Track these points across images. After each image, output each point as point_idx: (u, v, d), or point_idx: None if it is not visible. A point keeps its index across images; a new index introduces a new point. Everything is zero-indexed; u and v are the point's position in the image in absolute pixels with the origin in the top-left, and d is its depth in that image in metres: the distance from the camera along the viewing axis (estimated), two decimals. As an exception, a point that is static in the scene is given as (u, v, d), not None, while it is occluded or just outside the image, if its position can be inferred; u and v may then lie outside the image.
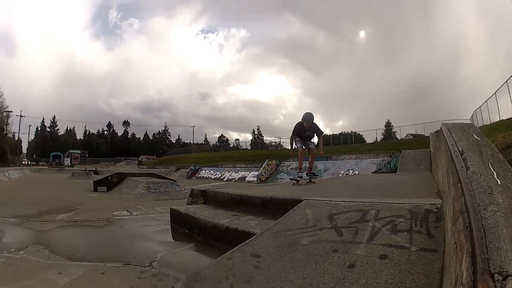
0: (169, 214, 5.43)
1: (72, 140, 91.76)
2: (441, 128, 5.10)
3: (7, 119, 49.88)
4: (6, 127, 50.04)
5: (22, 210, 9.11)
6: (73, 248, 4.12)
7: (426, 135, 29.86)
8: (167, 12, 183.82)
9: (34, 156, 73.97)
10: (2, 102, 46.21)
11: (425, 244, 2.19)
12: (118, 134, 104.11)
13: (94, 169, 41.22)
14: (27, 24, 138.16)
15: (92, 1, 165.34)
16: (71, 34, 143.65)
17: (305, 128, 6.84)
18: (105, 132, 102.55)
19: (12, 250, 4.04)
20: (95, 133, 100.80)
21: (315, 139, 7.17)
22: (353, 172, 25.13)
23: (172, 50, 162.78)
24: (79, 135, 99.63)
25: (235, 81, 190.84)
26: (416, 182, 5.20)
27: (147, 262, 3.60)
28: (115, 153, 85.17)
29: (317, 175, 8.15)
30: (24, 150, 75.00)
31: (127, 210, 9.92)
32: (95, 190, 17.64)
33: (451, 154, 2.48)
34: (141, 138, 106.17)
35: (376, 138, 51.03)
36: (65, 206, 11.73)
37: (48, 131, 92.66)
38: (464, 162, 2.11)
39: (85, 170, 35.99)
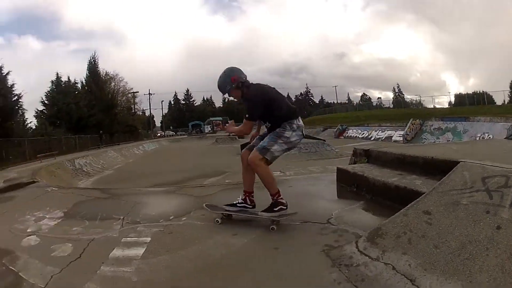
0: (335, 173, 5.69)
1: (210, 109, 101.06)
2: None
3: (134, 99, 60.29)
4: (134, 106, 60.58)
5: (169, 178, 10.23)
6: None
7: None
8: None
9: (170, 127, 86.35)
10: (124, 86, 56.47)
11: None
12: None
13: (239, 132, 45.04)
14: (136, 16, 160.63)
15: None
16: (189, 13, 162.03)
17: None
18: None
19: (171, 217, 4.21)
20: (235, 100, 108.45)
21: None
22: (488, 136, 23.99)
23: (296, 14, 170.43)
24: (218, 104, 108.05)
25: (366, 39, 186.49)
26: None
27: (325, 219, 3.88)
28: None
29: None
30: (158, 124, 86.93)
31: (280, 171, 10.60)
32: (243, 153, 19.33)
33: None
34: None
35: (504, 101, 52.43)
36: (213, 171, 12.87)
37: (183, 103, 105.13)
38: None
39: (228, 135, 39.60)
